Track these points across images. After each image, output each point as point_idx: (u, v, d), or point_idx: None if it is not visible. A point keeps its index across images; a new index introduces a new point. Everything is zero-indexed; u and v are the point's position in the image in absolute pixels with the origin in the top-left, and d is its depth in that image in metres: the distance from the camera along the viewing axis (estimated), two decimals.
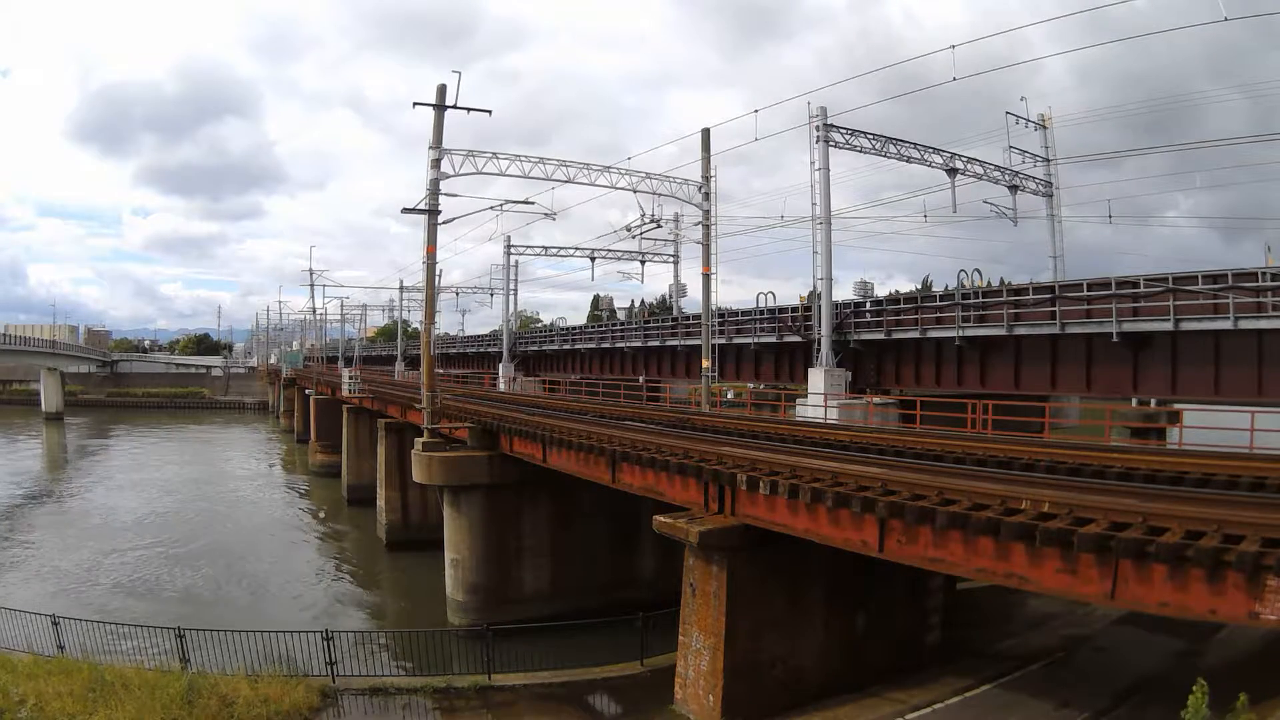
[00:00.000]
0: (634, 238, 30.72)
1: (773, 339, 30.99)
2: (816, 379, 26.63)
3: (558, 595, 20.46)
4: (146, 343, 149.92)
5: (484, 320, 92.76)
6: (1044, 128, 32.54)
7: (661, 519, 13.19)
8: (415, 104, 21.64)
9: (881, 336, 26.93)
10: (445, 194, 22.46)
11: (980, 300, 24.72)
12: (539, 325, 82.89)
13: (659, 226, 28.97)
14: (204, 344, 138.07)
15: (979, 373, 24.59)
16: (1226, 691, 6.60)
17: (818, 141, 26.67)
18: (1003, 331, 23.36)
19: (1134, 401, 22.17)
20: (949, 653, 14.59)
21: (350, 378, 42.56)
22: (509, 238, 47.28)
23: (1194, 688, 6.11)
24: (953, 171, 29.37)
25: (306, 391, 58.51)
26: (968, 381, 24.82)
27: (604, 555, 21.03)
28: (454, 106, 21.47)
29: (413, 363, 65.28)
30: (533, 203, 26.02)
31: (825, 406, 24.81)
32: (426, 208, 22.34)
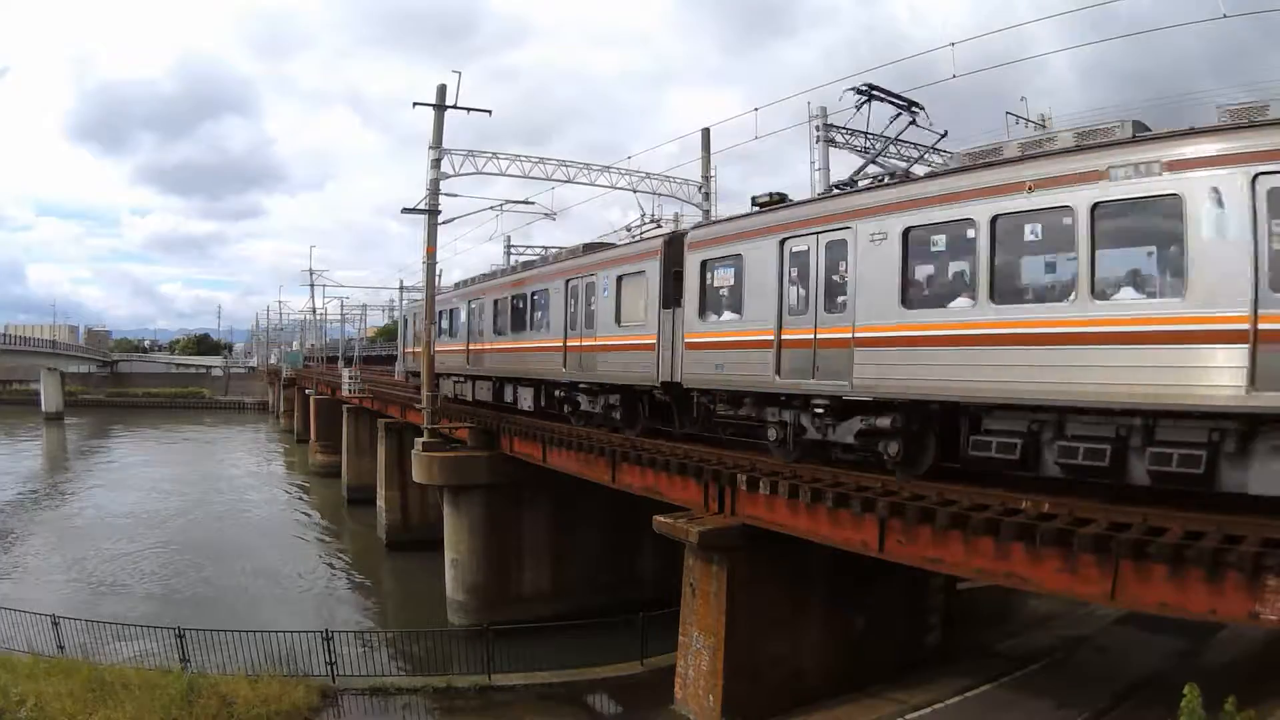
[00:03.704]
0: (634, 238, 30.77)
1: None
2: None
3: (558, 595, 20.44)
4: (146, 343, 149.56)
5: None
6: (1044, 127, 32.49)
7: (661, 519, 13.19)
8: (415, 104, 21.62)
9: None
10: (445, 194, 22.46)
11: None
12: None
13: (659, 226, 28.95)
14: (204, 344, 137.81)
15: None
16: (1225, 692, 6.59)
17: (818, 141, 26.64)
18: None
19: None
20: (949, 653, 14.59)
21: (350, 378, 42.52)
22: (509, 238, 47.11)
23: (1185, 690, 6.09)
24: None
25: (306, 391, 58.47)
26: None
27: (604, 555, 21.00)
28: (454, 106, 21.44)
29: None
30: (533, 203, 26.09)
31: None
32: (426, 208, 22.33)
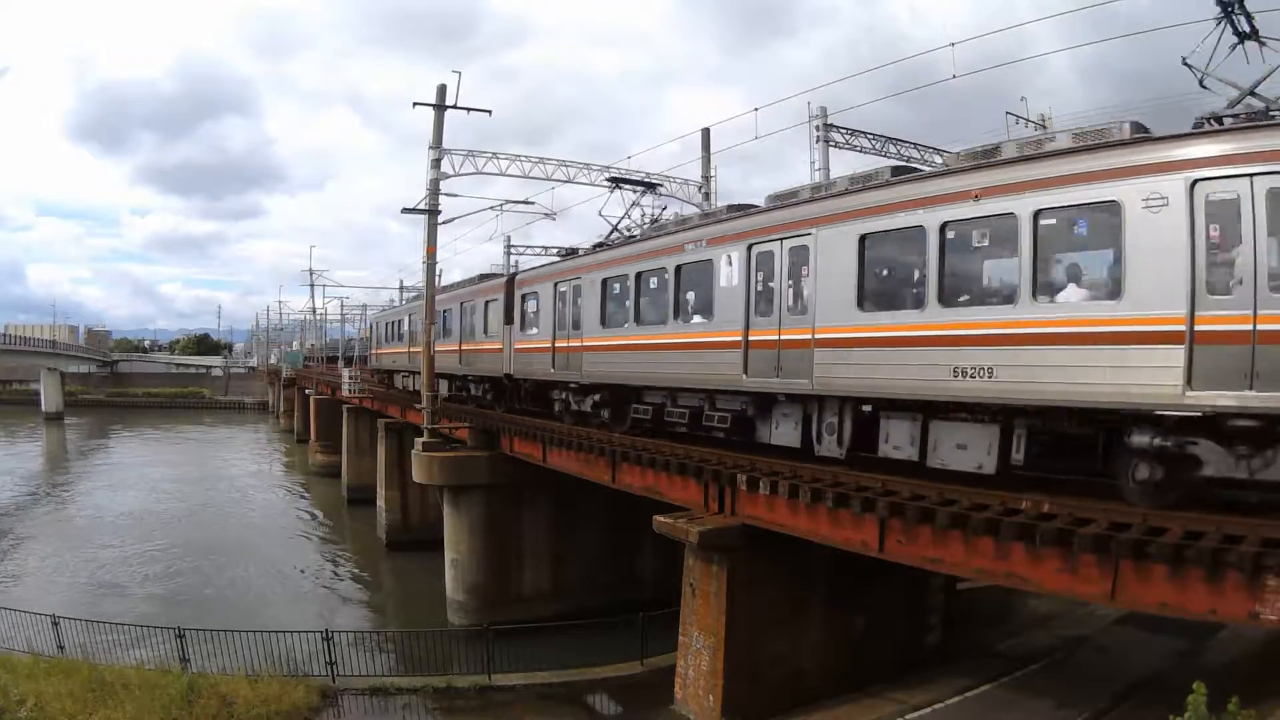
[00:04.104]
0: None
1: None
2: None
3: (558, 595, 20.44)
4: (146, 343, 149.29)
5: None
6: (1044, 128, 32.45)
7: (661, 519, 13.19)
8: (415, 104, 21.61)
9: None
10: (445, 194, 22.46)
11: None
12: None
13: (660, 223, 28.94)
14: (204, 344, 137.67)
15: None
16: (1227, 692, 6.59)
17: (818, 141, 26.61)
18: None
19: None
20: (949, 653, 14.59)
21: (350, 377, 42.48)
22: (509, 238, 47.15)
23: (1194, 686, 6.11)
24: None
25: (306, 391, 58.45)
26: None
27: (604, 555, 20.99)
28: (454, 107, 21.44)
29: None
30: (533, 203, 26.09)
31: None
32: (426, 208, 22.34)
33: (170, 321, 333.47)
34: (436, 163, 22.05)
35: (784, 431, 12.60)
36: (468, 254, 72.78)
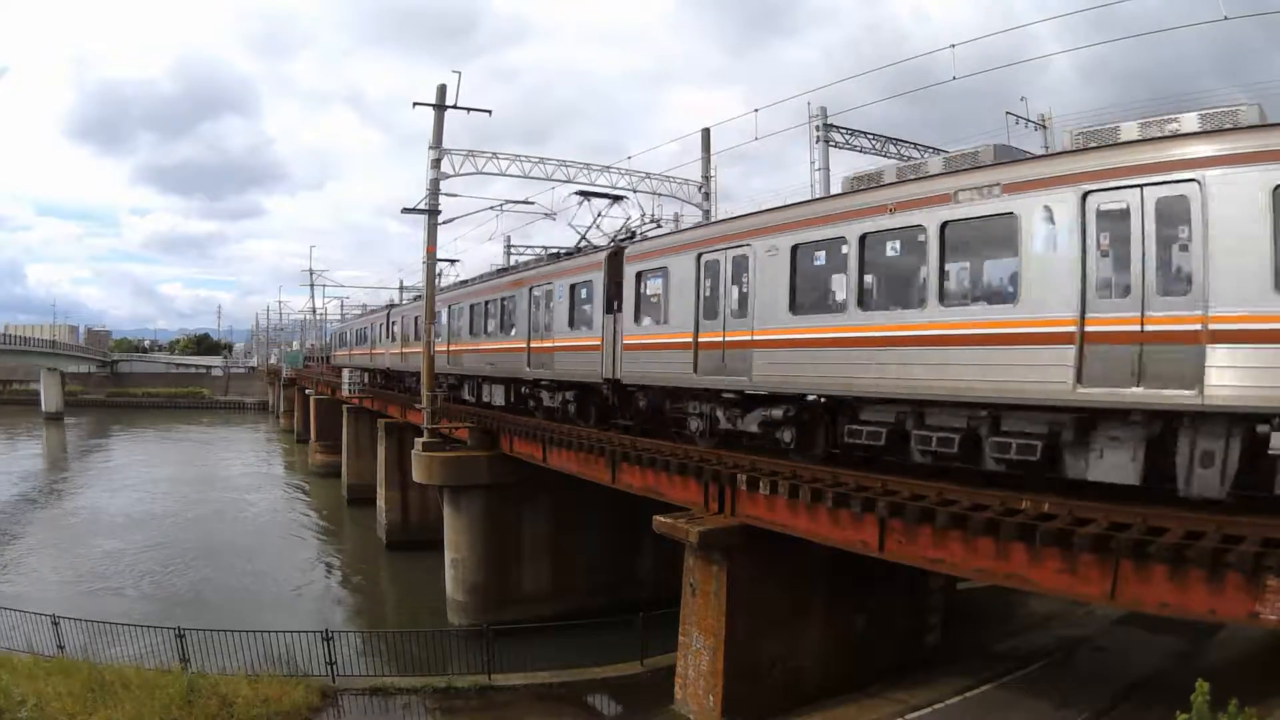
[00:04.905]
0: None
1: None
2: None
3: (558, 595, 20.43)
4: (146, 343, 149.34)
5: None
6: (1044, 128, 32.41)
7: (661, 519, 13.18)
8: (415, 104, 21.63)
9: None
10: (445, 194, 22.46)
11: None
12: None
13: (659, 226, 28.90)
14: (204, 344, 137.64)
15: None
16: (1227, 692, 6.58)
17: (818, 141, 26.59)
18: None
19: None
20: (949, 653, 14.59)
21: (350, 378, 42.50)
22: (509, 237, 47.16)
23: (1197, 684, 6.09)
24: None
25: (306, 391, 58.46)
26: None
27: (604, 555, 20.99)
28: (454, 107, 21.45)
29: None
30: (533, 202, 26.11)
31: None
32: (426, 208, 22.34)
33: (170, 321, 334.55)
34: (436, 163, 22.05)
35: (497, 394, 23.67)
36: (468, 254, 72.81)
